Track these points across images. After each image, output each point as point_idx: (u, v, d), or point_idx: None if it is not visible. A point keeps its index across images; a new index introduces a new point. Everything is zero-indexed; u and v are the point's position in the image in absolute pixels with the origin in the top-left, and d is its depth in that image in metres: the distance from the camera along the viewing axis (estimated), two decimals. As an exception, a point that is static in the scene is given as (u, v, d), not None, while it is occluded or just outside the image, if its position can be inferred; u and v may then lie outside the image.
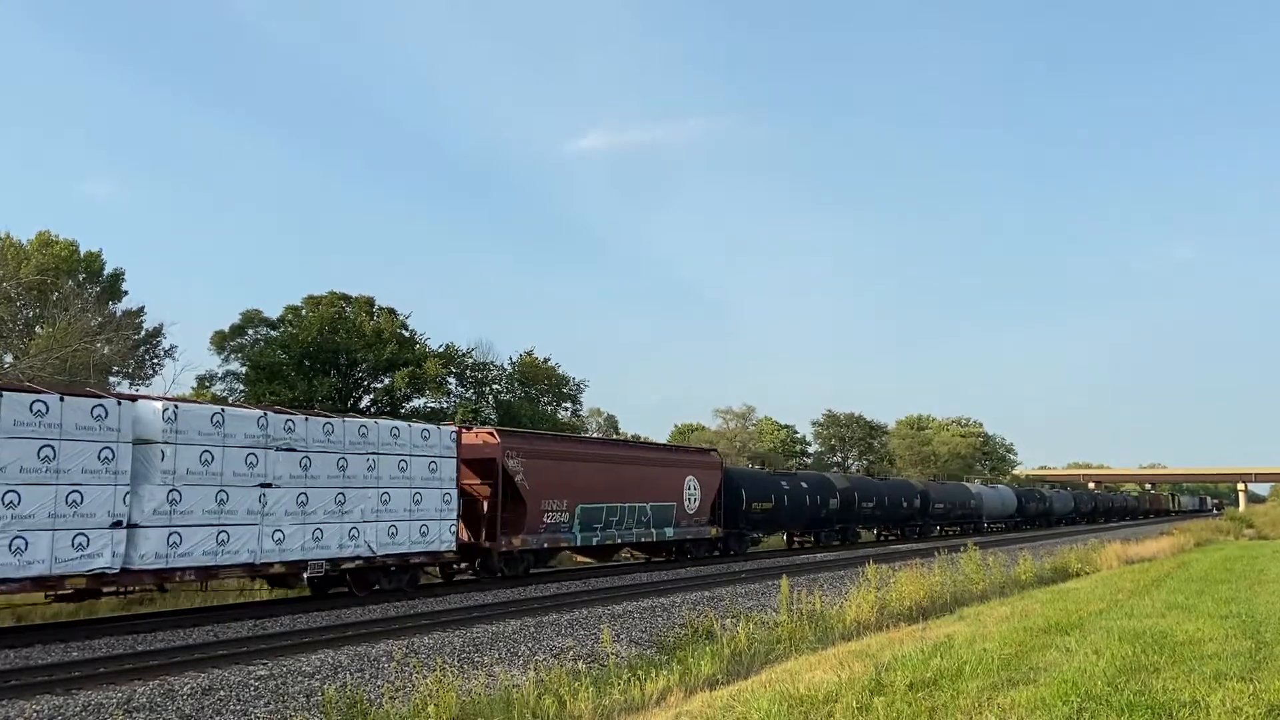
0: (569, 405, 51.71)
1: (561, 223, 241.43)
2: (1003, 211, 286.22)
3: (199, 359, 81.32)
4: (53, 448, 13.85)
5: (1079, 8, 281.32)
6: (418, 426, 20.11)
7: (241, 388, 40.53)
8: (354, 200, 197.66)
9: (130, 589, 16.05)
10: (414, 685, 10.13)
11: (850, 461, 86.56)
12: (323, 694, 9.49)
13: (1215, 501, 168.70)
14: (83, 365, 29.65)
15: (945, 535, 55.03)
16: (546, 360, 49.61)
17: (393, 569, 19.64)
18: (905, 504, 48.82)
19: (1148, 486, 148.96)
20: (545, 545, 24.26)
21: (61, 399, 14.15)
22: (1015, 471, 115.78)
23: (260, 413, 17.10)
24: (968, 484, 63.13)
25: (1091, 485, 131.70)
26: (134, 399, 15.77)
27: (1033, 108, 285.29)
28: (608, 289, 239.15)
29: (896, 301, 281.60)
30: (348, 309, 43.19)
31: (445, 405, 43.93)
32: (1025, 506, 67.49)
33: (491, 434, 23.76)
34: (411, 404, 43.64)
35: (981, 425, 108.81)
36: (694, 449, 36.18)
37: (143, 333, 37.30)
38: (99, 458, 14.34)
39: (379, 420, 19.71)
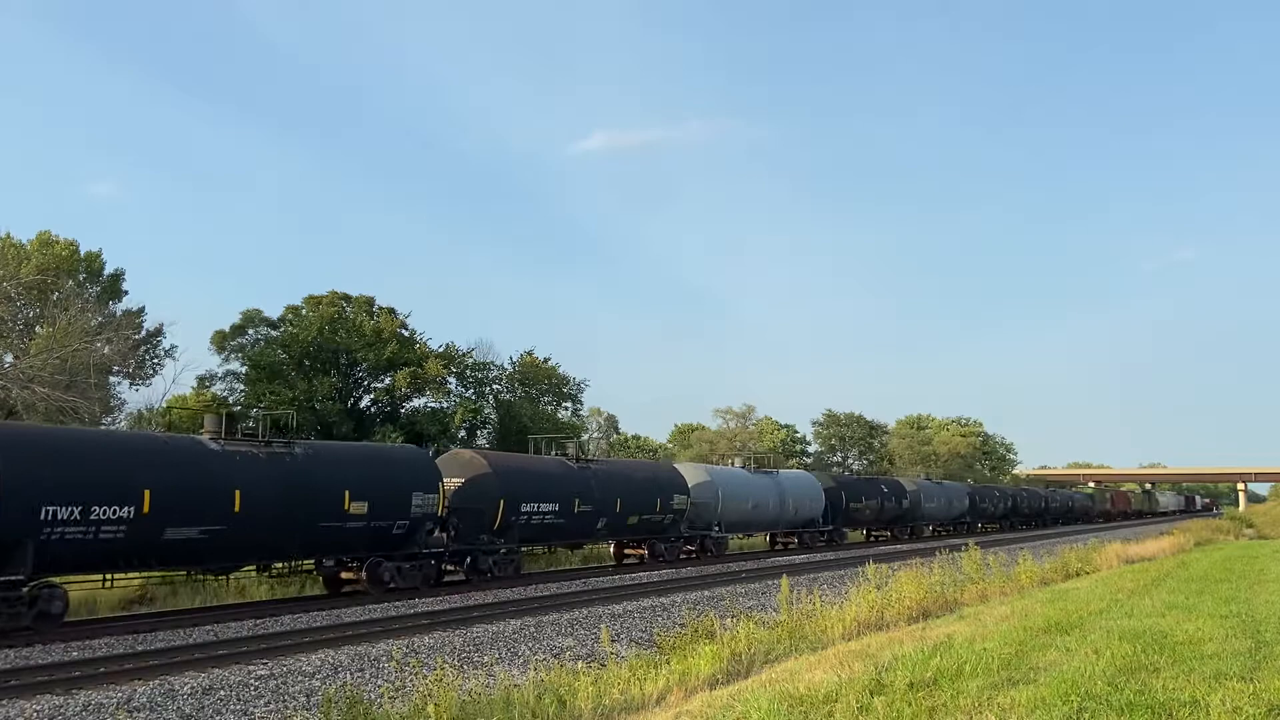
0: (569, 405, 51.74)
1: (562, 223, 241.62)
2: (1003, 211, 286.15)
3: (199, 359, 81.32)
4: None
5: (1079, 7, 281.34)
6: None
7: (242, 388, 40.54)
8: (355, 200, 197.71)
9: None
10: (414, 685, 10.13)
11: (850, 461, 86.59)
12: (323, 694, 9.49)
13: (1207, 501, 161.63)
14: (83, 365, 29.65)
15: (632, 568, 28.64)
16: (546, 360, 49.62)
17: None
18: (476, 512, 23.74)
19: (1147, 485, 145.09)
20: None
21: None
22: (1015, 471, 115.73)
23: None
24: (684, 466, 33.69)
25: (1092, 485, 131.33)
26: None
27: (1033, 107, 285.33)
28: (608, 289, 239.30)
29: (897, 301, 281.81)
30: (348, 309, 43.19)
31: (446, 405, 43.93)
32: (851, 512, 42.61)
33: None
34: (412, 404, 43.66)
35: (981, 425, 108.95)
36: None
37: (143, 332, 37.29)
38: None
39: None
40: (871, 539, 47.52)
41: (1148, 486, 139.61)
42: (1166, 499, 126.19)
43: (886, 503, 46.27)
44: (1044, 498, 75.98)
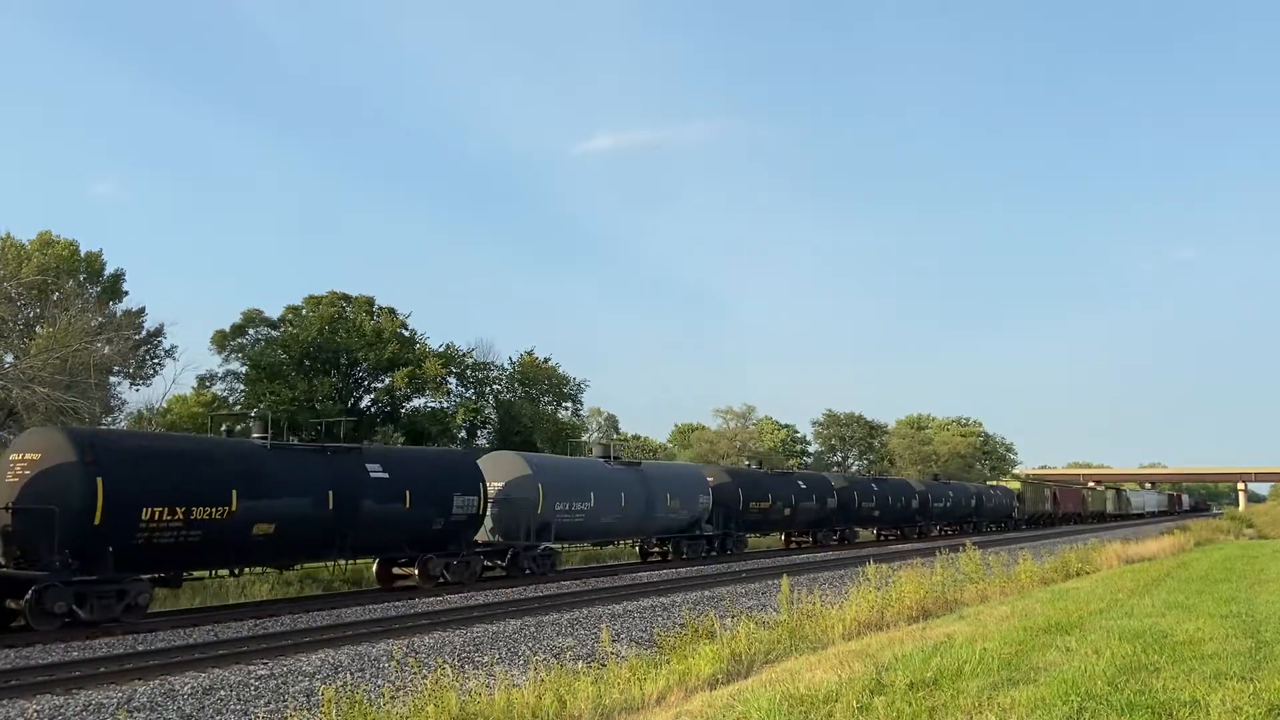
0: (569, 405, 51.73)
1: (564, 223, 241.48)
2: (1002, 211, 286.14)
3: (199, 359, 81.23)
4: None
5: (1079, 7, 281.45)
6: None
7: (242, 388, 40.54)
8: (355, 200, 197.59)
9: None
10: (414, 685, 10.13)
11: (851, 461, 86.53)
12: (323, 694, 9.48)
13: (1197, 501, 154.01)
14: (83, 365, 29.63)
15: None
16: (547, 360, 49.62)
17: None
18: None
19: (1147, 485, 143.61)
20: None
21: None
22: (1016, 471, 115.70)
23: None
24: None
25: (1092, 485, 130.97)
26: None
27: (1033, 107, 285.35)
28: (609, 289, 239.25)
29: (897, 301, 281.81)
30: (348, 309, 43.20)
31: (446, 405, 43.93)
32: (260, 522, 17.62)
33: None
34: (412, 404, 43.66)
35: (981, 425, 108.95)
36: None
37: (143, 333, 37.27)
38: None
39: None
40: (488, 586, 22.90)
41: (1145, 486, 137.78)
42: (1142, 499, 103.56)
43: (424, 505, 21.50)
44: (916, 495, 48.01)
